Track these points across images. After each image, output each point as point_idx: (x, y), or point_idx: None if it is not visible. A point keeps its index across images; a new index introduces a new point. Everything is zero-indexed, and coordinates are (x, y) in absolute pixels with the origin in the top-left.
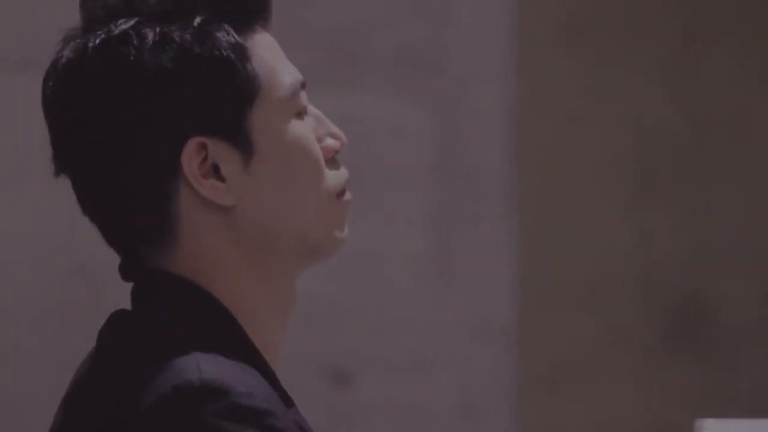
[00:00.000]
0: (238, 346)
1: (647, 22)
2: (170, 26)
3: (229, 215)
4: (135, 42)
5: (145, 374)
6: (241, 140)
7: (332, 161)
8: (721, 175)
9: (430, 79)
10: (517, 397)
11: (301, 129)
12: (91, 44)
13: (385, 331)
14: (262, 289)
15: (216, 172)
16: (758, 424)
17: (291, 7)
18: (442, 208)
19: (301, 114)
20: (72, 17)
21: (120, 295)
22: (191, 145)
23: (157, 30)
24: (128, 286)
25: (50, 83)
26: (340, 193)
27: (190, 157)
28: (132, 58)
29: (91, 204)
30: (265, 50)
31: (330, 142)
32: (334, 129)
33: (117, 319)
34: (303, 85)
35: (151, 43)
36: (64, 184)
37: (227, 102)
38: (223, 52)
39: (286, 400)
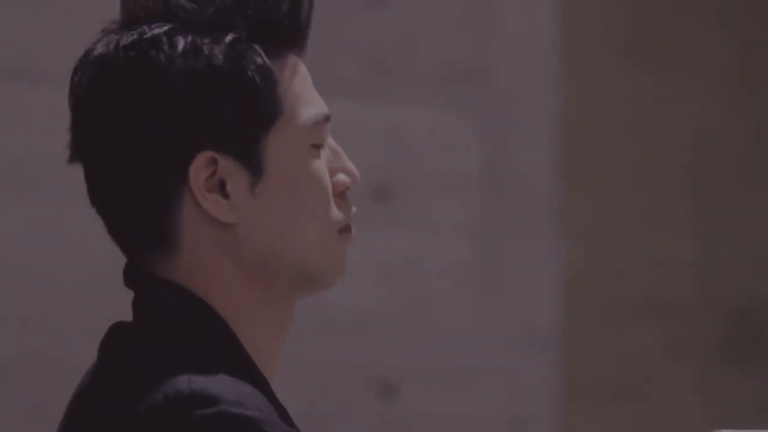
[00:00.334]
0: (235, 357)
1: (702, 35)
2: (203, 38)
3: (230, 232)
4: (165, 47)
5: (139, 387)
6: (252, 161)
7: (342, 197)
8: None
9: (476, 91)
10: (563, 407)
11: (315, 160)
12: (122, 42)
13: (431, 342)
14: (259, 305)
15: (222, 188)
16: None
17: (338, 20)
18: (488, 219)
19: (318, 146)
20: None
21: None
22: (201, 157)
23: (189, 39)
24: None
25: (78, 72)
26: (344, 229)
27: (198, 169)
28: (159, 62)
29: (99, 197)
30: (294, 77)
31: (342, 177)
32: (350, 166)
33: (116, 331)
34: (327, 119)
35: (180, 50)
36: None
37: (244, 122)
38: (249, 72)
39: (282, 414)
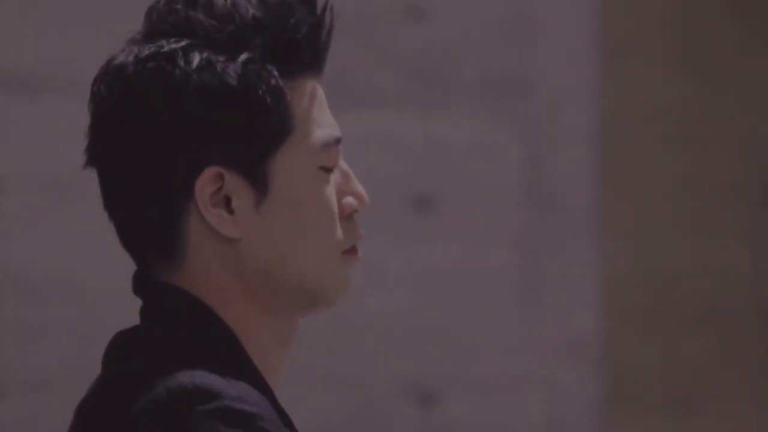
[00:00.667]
0: (239, 363)
1: (752, 42)
2: (218, 55)
3: (233, 247)
4: (180, 62)
5: (143, 384)
6: (258, 179)
7: (349, 219)
8: None
9: (516, 101)
10: (604, 417)
11: (322, 182)
12: (140, 54)
13: (472, 350)
14: (260, 317)
15: (227, 203)
16: None
17: (379, 31)
18: (529, 228)
19: (327, 168)
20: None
21: None
22: (208, 172)
23: (204, 55)
24: None
25: (99, 80)
26: (349, 251)
27: (204, 184)
28: (173, 75)
29: (110, 202)
30: (307, 99)
31: (350, 200)
32: (359, 189)
33: (120, 338)
34: (337, 141)
35: (194, 66)
36: None
37: (253, 140)
38: (260, 91)
39: (284, 419)
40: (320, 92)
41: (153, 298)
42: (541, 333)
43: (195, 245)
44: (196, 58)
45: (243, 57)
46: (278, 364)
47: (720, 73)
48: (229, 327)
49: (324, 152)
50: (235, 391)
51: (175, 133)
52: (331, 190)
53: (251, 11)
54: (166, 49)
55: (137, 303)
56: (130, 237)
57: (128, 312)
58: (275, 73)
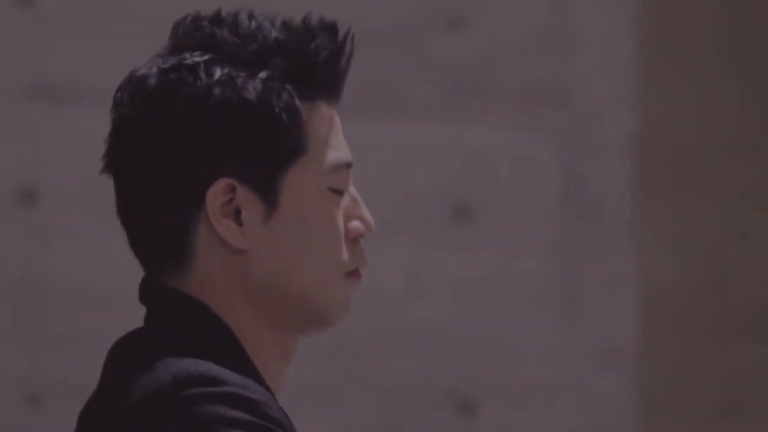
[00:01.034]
0: (242, 365)
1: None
2: (239, 71)
3: (240, 257)
4: (201, 74)
5: (147, 376)
6: (268, 194)
7: (355, 242)
8: None
9: (556, 111)
10: (641, 426)
11: (331, 202)
12: (163, 65)
13: (510, 359)
14: (264, 327)
15: (237, 215)
16: None
17: (418, 41)
18: (568, 237)
19: (337, 190)
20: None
21: None
22: (221, 183)
23: (225, 70)
24: None
25: (121, 89)
26: (352, 273)
27: (215, 195)
28: (194, 87)
29: (124, 208)
30: (322, 122)
31: (356, 224)
32: (366, 214)
33: (122, 340)
34: (348, 165)
35: (215, 79)
36: None
37: (266, 156)
38: (277, 109)
39: (286, 420)
40: (336, 117)
41: (158, 302)
42: (579, 341)
43: (203, 253)
44: (217, 72)
45: (263, 75)
46: (278, 376)
47: (763, 79)
48: (233, 332)
49: (334, 174)
50: (239, 379)
51: (193, 144)
52: (338, 212)
53: (274, 33)
54: (188, 61)
55: None
56: (141, 243)
57: None
58: (293, 93)
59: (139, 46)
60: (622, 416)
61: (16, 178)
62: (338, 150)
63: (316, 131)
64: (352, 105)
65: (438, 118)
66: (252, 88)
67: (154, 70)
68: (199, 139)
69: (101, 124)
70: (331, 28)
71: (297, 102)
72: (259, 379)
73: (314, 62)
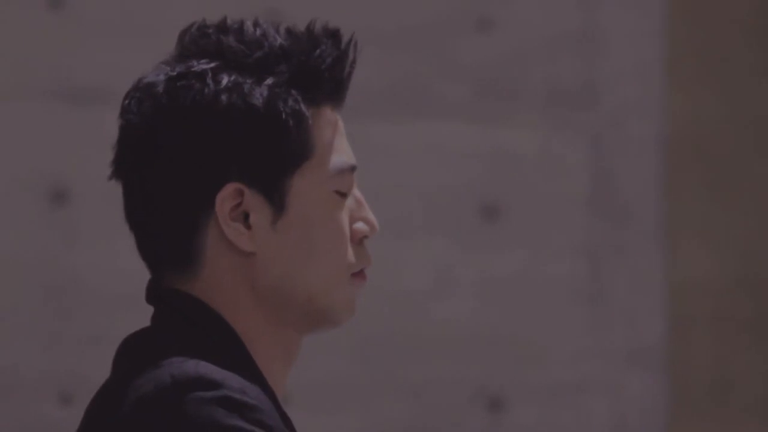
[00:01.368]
0: (245, 366)
1: None
2: (246, 78)
3: (248, 260)
4: (209, 81)
5: (149, 375)
6: (275, 198)
7: (360, 244)
8: None
9: (584, 112)
10: (669, 424)
11: (336, 205)
12: (171, 72)
13: (538, 357)
14: (269, 328)
15: (245, 218)
16: None
17: (446, 42)
18: (596, 237)
19: (342, 193)
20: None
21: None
22: (229, 188)
23: (232, 77)
24: None
25: (129, 96)
26: (357, 274)
27: (224, 199)
28: (201, 94)
29: (133, 213)
30: (327, 126)
31: (361, 226)
32: (370, 217)
33: (129, 340)
34: (352, 169)
35: (222, 86)
36: None
37: (274, 161)
38: (284, 114)
39: (286, 422)
40: (340, 122)
41: (165, 303)
42: (608, 340)
43: (211, 256)
44: (224, 79)
45: (269, 81)
46: (281, 377)
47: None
48: (237, 334)
49: (339, 177)
50: (237, 383)
51: (201, 149)
52: (344, 214)
53: (279, 40)
54: (196, 68)
55: None
56: (149, 247)
57: None
58: (299, 98)
59: (169, 48)
60: (650, 415)
61: (47, 179)
62: (343, 153)
63: (321, 136)
64: (380, 105)
65: (466, 119)
66: (258, 94)
67: (162, 77)
68: (208, 144)
69: (111, 125)
70: (334, 35)
71: (303, 107)
72: (262, 381)
73: (319, 68)
